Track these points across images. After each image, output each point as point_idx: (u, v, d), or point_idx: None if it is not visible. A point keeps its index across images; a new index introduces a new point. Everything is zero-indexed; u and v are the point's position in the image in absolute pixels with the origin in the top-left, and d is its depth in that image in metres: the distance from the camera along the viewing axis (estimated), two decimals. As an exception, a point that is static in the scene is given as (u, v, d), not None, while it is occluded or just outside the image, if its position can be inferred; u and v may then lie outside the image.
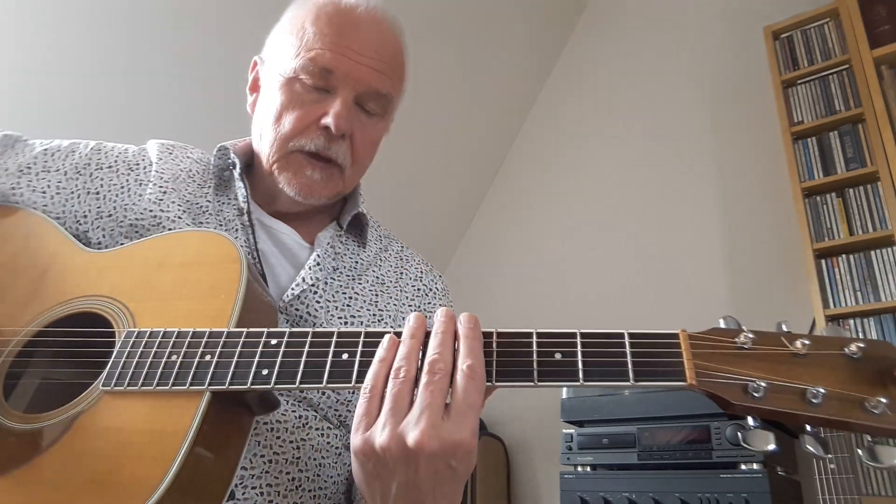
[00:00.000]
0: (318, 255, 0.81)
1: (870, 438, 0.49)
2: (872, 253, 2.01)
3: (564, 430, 1.97)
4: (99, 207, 0.78)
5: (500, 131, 3.26)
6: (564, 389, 2.07)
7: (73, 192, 0.79)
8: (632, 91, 2.97)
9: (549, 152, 3.18)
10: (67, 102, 1.87)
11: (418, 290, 0.90)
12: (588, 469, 1.90)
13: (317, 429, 0.73)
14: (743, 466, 1.62)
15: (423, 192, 3.00)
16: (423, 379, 0.51)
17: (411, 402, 0.51)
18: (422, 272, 0.93)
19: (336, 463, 0.74)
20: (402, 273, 0.90)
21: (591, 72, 3.16)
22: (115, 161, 0.82)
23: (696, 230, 2.57)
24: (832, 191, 2.12)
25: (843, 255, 2.04)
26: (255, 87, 0.87)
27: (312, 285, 0.78)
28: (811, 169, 2.16)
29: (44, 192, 0.78)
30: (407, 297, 0.88)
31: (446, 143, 2.98)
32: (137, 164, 0.82)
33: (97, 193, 0.79)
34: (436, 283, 0.93)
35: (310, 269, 0.79)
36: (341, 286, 0.82)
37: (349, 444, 0.57)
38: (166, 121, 2.02)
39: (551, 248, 2.97)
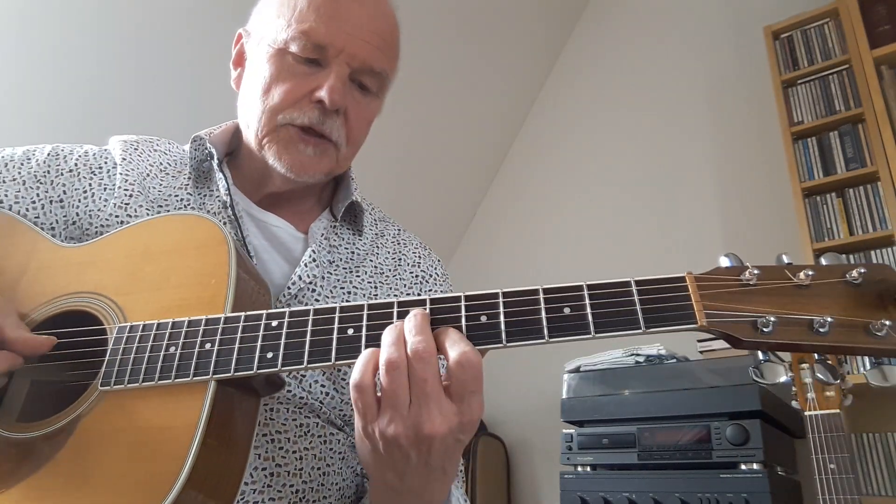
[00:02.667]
0: (314, 251, 0.78)
1: (873, 360, 0.50)
2: (872, 253, 2.01)
3: (564, 430, 1.97)
4: (65, 216, 0.74)
5: (504, 122, 3.27)
6: (564, 389, 2.06)
7: (33, 202, 0.74)
8: (632, 90, 2.97)
9: (552, 145, 3.18)
10: (73, 102, 1.87)
11: (416, 276, 0.87)
12: (588, 469, 1.89)
13: (319, 436, 0.70)
14: (743, 466, 1.61)
15: (430, 180, 3.01)
16: (416, 367, 0.50)
17: (410, 389, 0.51)
18: (420, 257, 0.90)
19: (341, 469, 0.72)
20: (399, 259, 0.87)
21: (592, 71, 3.16)
22: (76, 165, 0.78)
23: (696, 231, 2.56)
24: (832, 191, 2.11)
25: (844, 256, 2.04)
26: (240, 62, 0.83)
27: (310, 283, 0.75)
28: (811, 169, 2.16)
29: (0, 202, 0.74)
30: (405, 285, 0.85)
31: (452, 133, 2.99)
32: (100, 168, 0.79)
33: (60, 202, 0.75)
34: (434, 269, 0.90)
35: (305, 265, 0.76)
36: (339, 280, 0.79)
37: (354, 444, 0.56)
38: (174, 121, 2.01)
39: (555, 238, 2.97)
